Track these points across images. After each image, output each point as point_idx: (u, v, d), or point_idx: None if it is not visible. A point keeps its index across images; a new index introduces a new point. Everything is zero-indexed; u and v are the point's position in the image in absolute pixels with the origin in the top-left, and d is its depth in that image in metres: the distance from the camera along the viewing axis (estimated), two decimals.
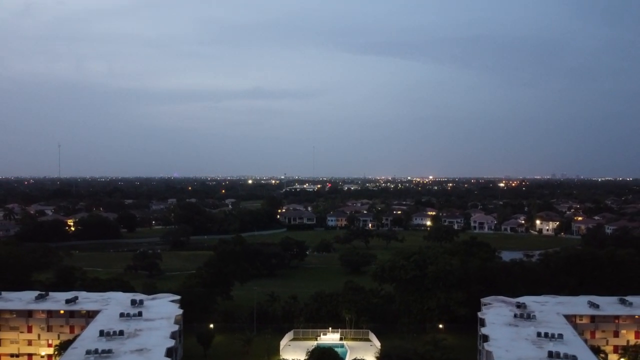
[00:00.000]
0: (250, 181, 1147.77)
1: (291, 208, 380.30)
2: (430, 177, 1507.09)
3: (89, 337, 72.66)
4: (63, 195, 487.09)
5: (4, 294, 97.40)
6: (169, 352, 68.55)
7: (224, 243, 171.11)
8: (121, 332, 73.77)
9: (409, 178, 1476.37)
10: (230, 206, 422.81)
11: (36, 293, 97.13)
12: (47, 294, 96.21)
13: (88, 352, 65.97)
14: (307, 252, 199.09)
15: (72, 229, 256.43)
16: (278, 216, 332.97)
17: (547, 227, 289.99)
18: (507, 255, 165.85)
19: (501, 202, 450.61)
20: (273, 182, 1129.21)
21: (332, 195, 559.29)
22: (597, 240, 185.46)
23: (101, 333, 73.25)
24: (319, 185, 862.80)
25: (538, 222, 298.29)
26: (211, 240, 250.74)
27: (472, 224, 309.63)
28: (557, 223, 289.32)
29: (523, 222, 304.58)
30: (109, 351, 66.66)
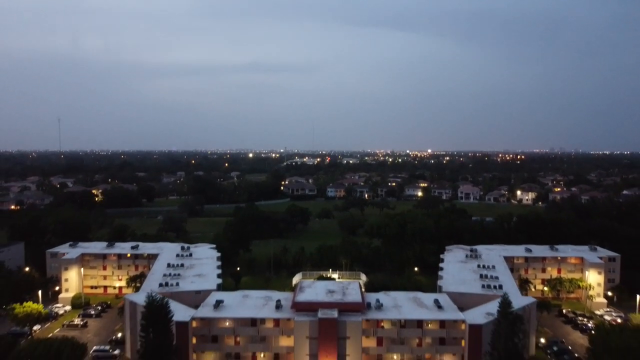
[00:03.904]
0: (250, 155, 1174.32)
1: (294, 180, 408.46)
2: (429, 151, 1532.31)
3: (159, 268, 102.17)
4: (77, 169, 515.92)
5: (80, 243, 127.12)
6: (218, 276, 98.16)
7: (240, 209, 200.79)
8: (182, 265, 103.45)
9: (407, 152, 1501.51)
10: (235, 179, 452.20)
11: (105, 243, 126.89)
12: (114, 244, 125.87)
13: (164, 275, 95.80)
14: (310, 219, 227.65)
15: (98, 198, 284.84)
16: (282, 188, 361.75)
17: (527, 198, 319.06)
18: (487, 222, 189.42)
19: (490, 175, 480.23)
20: (273, 155, 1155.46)
21: (331, 168, 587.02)
22: (557, 206, 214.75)
23: (168, 265, 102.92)
24: (318, 159, 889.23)
25: (519, 192, 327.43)
26: (223, 209, 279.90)
27: (460, 195, 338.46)
28: (536, 194, 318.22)
29: (505, 193, 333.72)
30: (178, 275, 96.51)
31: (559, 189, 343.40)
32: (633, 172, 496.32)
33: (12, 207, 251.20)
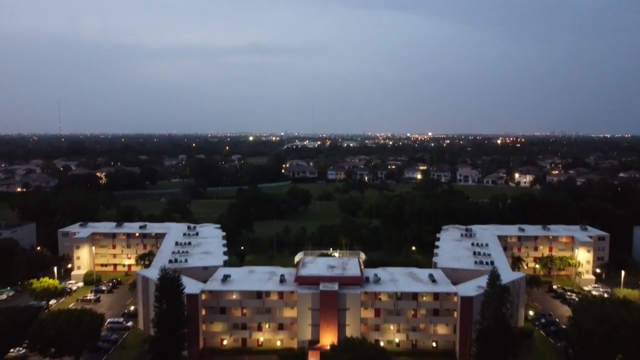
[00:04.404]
0: (251, 138, 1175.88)
1: (294, 163, 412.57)
2: (429, 134, 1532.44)
3: (168, 246, 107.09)
4: (79, 152, 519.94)
5: (90, 223, 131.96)
6: (224, 253, 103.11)
7: (243, 191, 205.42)
8: (189, 243, 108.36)
9: (407, 135, 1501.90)
10: (236, 162, 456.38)
11: (114, 223, 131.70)
12: (122, 223, 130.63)
13: (173, 252, 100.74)
14: (311, 201, 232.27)
15: (102, 181, 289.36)
16: (283, 171, 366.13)
17: (525, 180, 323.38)
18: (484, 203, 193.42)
19: (490, 158, 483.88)
20: (274, 139, 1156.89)
21: (332, 151, 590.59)
22: (553, 188, 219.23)
23: (176, 243, 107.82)
24: (318, 142, 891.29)
25: (517, 175, 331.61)
26: (225, 191, 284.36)
27: (458, 177, 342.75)
28: (534, 176, 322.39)
29: (503, 175, 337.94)
30: (186, 252, 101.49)
31: (556, 172, 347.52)
32: (632, 155, 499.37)
33: (19, 189, 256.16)
